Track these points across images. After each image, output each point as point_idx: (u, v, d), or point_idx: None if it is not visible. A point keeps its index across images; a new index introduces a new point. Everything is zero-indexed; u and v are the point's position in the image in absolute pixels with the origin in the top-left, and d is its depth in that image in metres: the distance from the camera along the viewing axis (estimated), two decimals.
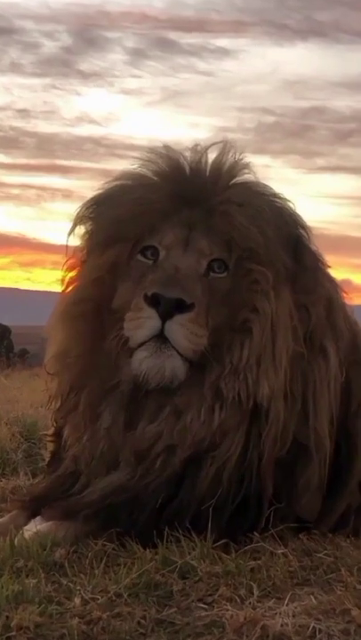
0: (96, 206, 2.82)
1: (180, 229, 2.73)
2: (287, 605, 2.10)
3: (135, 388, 2.64)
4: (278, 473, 2.66)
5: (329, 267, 2.90)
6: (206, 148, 2.84)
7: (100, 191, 2.84)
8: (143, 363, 2.59)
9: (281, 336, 2.63)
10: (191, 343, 2.59)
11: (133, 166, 2.84)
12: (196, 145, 2.85)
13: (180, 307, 2.56)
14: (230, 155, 2.82)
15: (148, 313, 2.58)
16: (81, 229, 2.84)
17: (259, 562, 2.40)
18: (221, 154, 2.83)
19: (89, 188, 2.91)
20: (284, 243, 2.71)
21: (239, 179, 2.82)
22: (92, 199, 2.84)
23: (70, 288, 2.84)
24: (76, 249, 2.86)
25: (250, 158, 2.84)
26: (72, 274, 2.86)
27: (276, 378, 2.61)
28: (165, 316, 2.56)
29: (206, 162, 2.82)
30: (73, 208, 2.87)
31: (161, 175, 2.80)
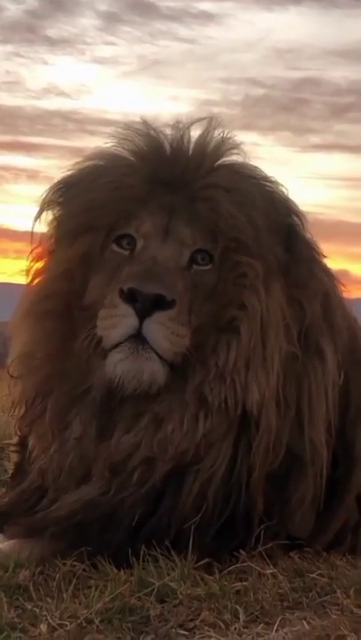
0: (65, 190, 2.81)
1: (160, 216, 2.72)
2: (277, 631, 2.12)
3: (109, 393, 2.64)
4: (270, 487, 2.67)
5: (325, 257, 2.92)
6: (189, 125, 2.83)
7: (69, 173, 2.83)
8: (118, 366, 2.58)
9: (272, 336, 2.63)
10: (172, 344, 2.58)
11: (107, 145, 2.84)
12: (178, 122, 2.84)
13: (159, 303, 2.54)
14: (216, 132, 2.82)
15: (124, 310, 2.56)
16: (48, 215, 2.83)
17: (245, 583, 2.41)
18: (206, 131, 2.82)
19: (57, 168, 2.90)
20: (276, 232, 2.71)
21: (226, 160, 2.81)
22: (60, 182, 2.83)
23: (37, 282, 2.83)
24: (43, 237, 2.85)
25: (235, 135, 2.84)
26: (39, 265, 2.85)
27: (267, 382, 2.61)
28: (144, 314, 2.54)
29: (189, 140, 2.81)
30: (39, 191, 2.87)
31: (138, 155, 2.79)
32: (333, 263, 2.97)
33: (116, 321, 2.58)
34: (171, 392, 2.62)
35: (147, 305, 2.54)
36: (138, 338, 2.56)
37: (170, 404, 2.62)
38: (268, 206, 2.72)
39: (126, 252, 2.72)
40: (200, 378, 2.62)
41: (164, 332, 2.56)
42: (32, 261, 2.87)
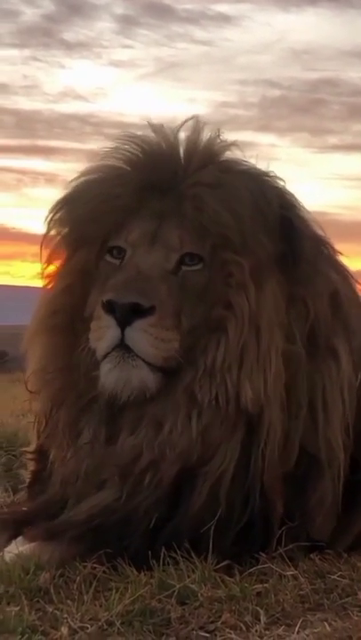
0: (62, 207, 2.85)
1: (150, 223, 2.74)
2: (298, 633, 2.12)
3: (111, 401, 2.67)
4: (289, 489, 2.66)
5: (340, 254, 2.89)
6: (178, 128, 2.84)
7: (66, 190, 2.86)
8: (109, 375, 2.62)
9: (265, 333, 2.62)
10: (159, 350, 2.60)
11: (101, 155, 2.85)
12: (160, 125, 2.85)
13: (137, 311, 2.57)
14: (205, 133, 2.82)
15: (107, 321, 2.61)
16: (52, 234, 2.87)
17: (266, 585, 2.41)
18: (195, 132, 2.83)
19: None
20: (268, 227, 2.67)
21: (216, 158, 2.81)
22: (59, 201, 2.86)
23: (45, 298, 2.88)
24: (49, 253, 2.90)
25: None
26: (50, 280, 2.91)
27: (263, 380, 2.60)
28: (124, 324, 2.58)
29: (178, 143, 2.83)
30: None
31: (129, 163, 2.82)
32: (352, 263, 2.95)
33: (102, 332, 2.63)
34: (164, 395, 2.64)
35: (125, 314, 2.57)
36: (122, 347, 2.60)
37: (164, 407, 2.63)
38: (257, 200, 2.68)
39: (117, 262, 2.76)
40: (190, 378, 2.63)
41: (148, 338, 2.59)
42: (46, 278, 2.92)
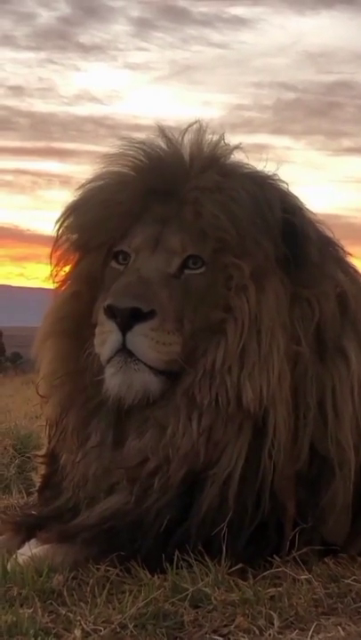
0: (72, 213, 2.87)
1: (152, 228, 2.76)
2: (312, 637, 2.11)
3: (117, 404, 2.69)
4: (301, 490, 2.66)
5: (350, 255, 2.89)
6: (183, 132, 2.85)
7: (74, 198, 2.88)
8: (112, 380, 2.65)
9: (267, 335, 2.63)
10: (160, 353, 2.62)
11: (106, 160, 2.87)
12: (165, 129, 2.86)
13: (137, 316, 2.59)
14: (208, 136, 2.83)
15: (109, 326, 2.63)
16: (63, 239, 2.89)
17: (280, 589, 2.41)
18: (198, 137, 2.84)
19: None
20: (269, 229, 2.66)
21: (219, 162, 2.81)
22: (68, 207, 2.88)
23: (54, 303, 2.92)
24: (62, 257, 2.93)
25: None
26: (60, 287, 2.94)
27: (265, 381, 2.60)
28: (125, 328, 2.60)
29: (181, 147, 2.84)
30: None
31: (135, 168, 2.83)
32: None
33: (105, 337, 2.66)
34: (166, 398, 2.66)
35: (125, 319, 2.60)
36: (124, 351, 2.63)
37: (166, 410, 2.65)
38: (258, 203, 2.68)
39: (122, 268, 2.78)
40: (190, 380, 2.64)
41: (149, 342, 2.61)
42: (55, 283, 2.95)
